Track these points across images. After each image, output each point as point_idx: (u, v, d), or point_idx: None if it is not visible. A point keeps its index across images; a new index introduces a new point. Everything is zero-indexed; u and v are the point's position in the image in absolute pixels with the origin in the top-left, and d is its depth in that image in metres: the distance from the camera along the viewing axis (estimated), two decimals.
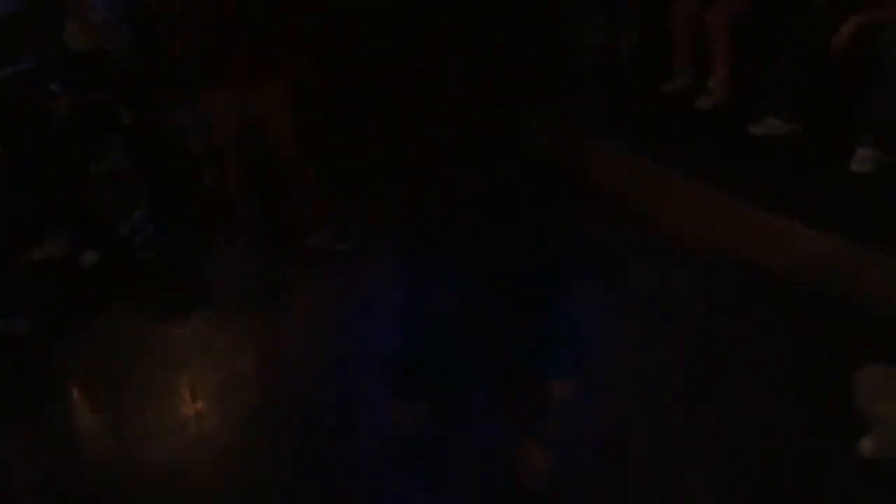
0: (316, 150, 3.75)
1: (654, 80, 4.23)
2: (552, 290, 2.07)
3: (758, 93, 3.79)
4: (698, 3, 3.93)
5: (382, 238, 3.70)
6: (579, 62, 4.45)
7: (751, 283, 3.20)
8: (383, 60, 4.34)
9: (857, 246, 3.00)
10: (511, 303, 2.04)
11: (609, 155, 4.02)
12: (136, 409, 2.99)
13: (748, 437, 2.56)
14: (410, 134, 4.43)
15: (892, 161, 3.33)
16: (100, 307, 3.63)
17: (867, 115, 3.30)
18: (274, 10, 3.34)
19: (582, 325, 2.10)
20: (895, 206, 3.17)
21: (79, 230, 3.81)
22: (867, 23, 3.25)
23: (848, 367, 2.43)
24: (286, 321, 3.59)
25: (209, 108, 3.71)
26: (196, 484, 2.67)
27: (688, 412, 2.65)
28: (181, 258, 3.87)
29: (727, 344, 2.93)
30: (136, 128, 3.93)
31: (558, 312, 2.07)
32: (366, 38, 4.29)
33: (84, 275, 3.74)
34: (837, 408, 2.42)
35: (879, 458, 2.36)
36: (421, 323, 2.21)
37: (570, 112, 4.28)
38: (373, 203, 4.01)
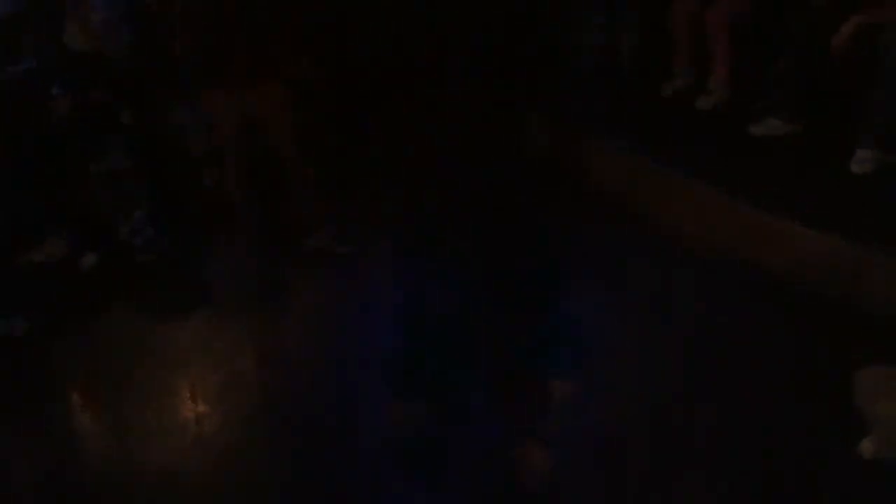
0: (316, 150, 3.74)
1: (654, 80, 4.23)
2: (552, 290, 2.07)
3: (758, 93, 3.79)
4: (698, 3, 3.93)
5: (382, 238, 3.70)
6: (579, 62, 4.45)
7: (751, 283, 3.20)
8: (383, 60, 4.34)
9: (857, 246, 3.00)
10: (511, 303, 2.04)
11: (609, 155, 4.02)
12: (136, 410, 2.99)
13: (748, 437, 2.56)
14: (410, 134, 4.42)
15: (892, 161, 3.33)
16: (99, 307, 3.63)
17: (867, 116, 3.30)
18: (274, 10, 3.34)
19: (582, 325, 2.10)
20: (895, 207, 3.17)
21: (79, 230, 3.81)
22: (867, 23, 3.25)
23: (848, 367, 2.43)
24: (286, 321, 3.59)
25: (209, 108, 3.71)
26: (196, 484, 2.66)
27: (688, 412, 2.65)
28: (181, 258, 3.86)
29: (727, 344, 2.93)
30: (136, 128, 3.92)
31: (558, 312, 2.07)
32: (366, 38, 4.29)
33: (84, 275, 3.74)
34: (837, 408, 2.42)
35: (879, 458, 2.36)
36: (421, 323, 2.21)
37: (570, 112, 4.28)
38: (373, 203, 4.01)
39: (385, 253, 3.57)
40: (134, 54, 4.02)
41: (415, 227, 2.29)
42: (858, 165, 3.34)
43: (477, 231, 2.14)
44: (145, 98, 3.99)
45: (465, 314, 2.13)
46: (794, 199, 3.27)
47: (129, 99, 3.94)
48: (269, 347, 3.38)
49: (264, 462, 2.70)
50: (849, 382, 2.36)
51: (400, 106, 4.52)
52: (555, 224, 2.29)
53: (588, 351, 2.10)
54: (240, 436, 2.84)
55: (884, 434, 2.35)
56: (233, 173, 3.68)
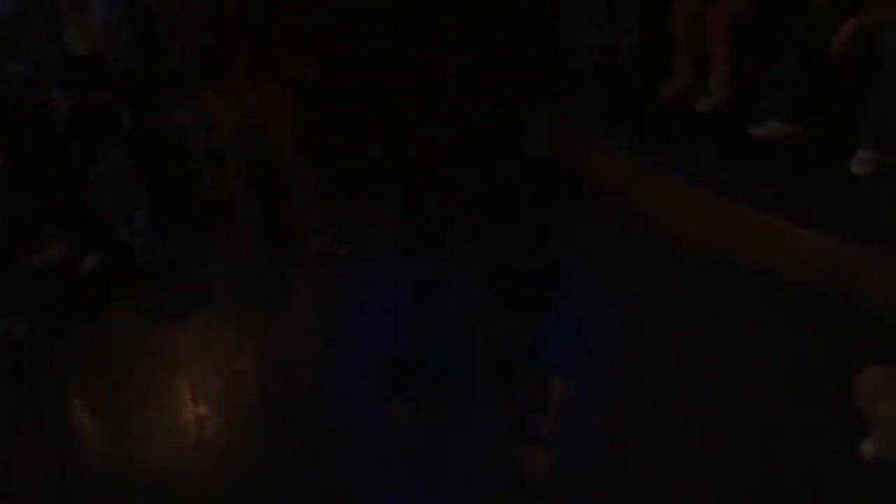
0: (316, 150, 3.74)
1: (654, 80, 4.23)
2: (552, 290, 2.08)
3: (758, 93, 3.79)
4: (698, 3, 3.92)
5: (382, 238, 3.71)
6: (579, 62, 4.44)
7: (751, 283, 3.20)
8: (383, 60, 4.35)
9: (857, 246, 2.99)
10: (511, 303, 2.04)
11: (609, 155, 4.02)
12: (136, 410, 2.99)
13: (748, 437, 2.56)
14: (410, 134, 4.44)
15: (892, 162, 3.33)
16: (99, 308, 3.63)
17: (867, 116, 3.29)
18: (274, 10, 3.34)
19: (582, 326, 2.10)
20: (895, 207, 3.17)
21: (79, 231, 3.81)
22: (867, 23, 3.25)
23: (848, 367, 2.43)
24: (286, 322, 3.59)
25: (209, 109, 3.71)
26: (196, 484, 2.67)
27: (688, 412, 2.65)
28: (181, 259, 3.86)
29: (727, 344, 2.93)
30: (136, 128, 3.92)
31: (558, 312, 2.07)
32: (366, 38, 4.30)
33: (84, 276, 3.74)
34: (837, 408, 2.42)
35: (880, 458, 2.36)
36: (421, 323, 2.21)
37: (570, 112, 4.28)
38: (373, 203, 4.01)
39: (385, 253, 3.58)
40: (134, 54, 4.02)
41: (415, 227, 2.29)
42: (858, 166, 3.33)
43: (477, 231, 2.15)
44: (145, 98, 3.99)
45: (466, 314, 2.13)
46: (794, 199, 3.27)
47: (129, 99, 3.94)
48: (269, 347, 3.38)
49: (264, 462, 2.70)
50: (849, 382, 2.35)
51: (400, 106, 4.54)
52: (555, 224, 2.29)
53: (588, 351, 2.10)
54: (240, 436, 2.84)
55: (884, 434, 2.35)
56: (233, 173, 3.68)
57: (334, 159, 4.02)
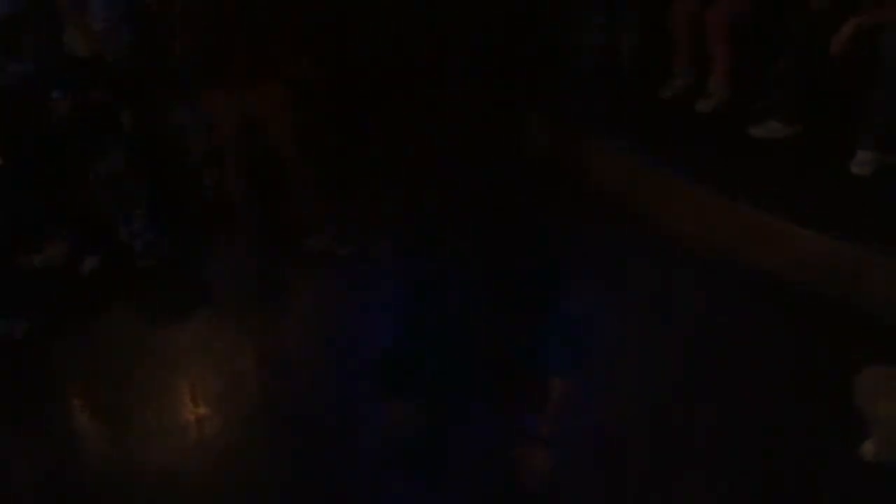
0: (316, 150, 3.74)
1: (654, 80, 4.23)
2: (552, 290, 2.08)
3: (758, 93, 3.79)
4: (698, 3, 3.92)
5: (383, 238, 3.71)
6: (579, 62, 4.44)
7: (751, 283, 3.20)
8: (383, 60, 4.35)
9: (857, 246, 3.00)
10: (511, 303, 2.04)
11: (609, 155, 4.02)
12: (136, 410, 2.99)
13: (748, 437, 2.56)
14: (410, 134, 4.44)
15: (892, 162, 3.33)
16: (99, 308, 3.63)
17: (867, 116, 3.29)
18: (274, 10, 3.34)
19: (582, 325, 2.10)
20: (895, 207, 3.17)
21: (79, 231, 3.81)
22: (867, 23, 3.25)
23: (848, 367, 2.43)
24: (286, 322, 3.59)
25: (209, 109, 3.71)
26: (196, 484, 2.67)
27: (688, 412, 2.65)
28: (181, 259, 3.86)
29: (727, 344, 2.93)
30: (136, 128, 3.92)
31: (558, 312, 2.07)
32: (366, 38, 4.30)
33: (84, 276, 3.73)
34: (837, 408, 2.42)
35: (880, 458, 2.36)
36: (421, 323, 2.21)
37: (570, 112, 4.28)
38: (373, 203, 4.01)
39: (385, 253, 3.58)
40: (134, 54, 4.02)
41: (415, 227, 2.29)
42: (858, 167, 3.34)
43: (477, 231, 2.15)
44: (145, 98, 3.99)
45: (466, 314, 2.13)
46: (794, 199, 3.27)
47: (129, 99, 3.94)
48: (269, 347, 3.38)
49: (264, 462, 2.70)
50: (849, 382, 2.36)
51: (400, 106, 4.54)
52: (555, 224, 2.29)
53: (588, 351, 2.10)
54: (240, 436, 2.84)
55: (884, 434, 2.35)
56: (233, 173, 3.68)
57: (334, 159, 4.02)
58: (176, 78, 3.86)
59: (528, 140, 4.28)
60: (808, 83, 3.56)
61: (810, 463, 2.44)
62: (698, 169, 3.60)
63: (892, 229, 3.02)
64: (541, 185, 3.73)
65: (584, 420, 2.42)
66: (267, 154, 3.63)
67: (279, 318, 3.58)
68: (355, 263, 3.64)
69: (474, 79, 4.11)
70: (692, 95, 4.05)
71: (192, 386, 3.11)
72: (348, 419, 2.78)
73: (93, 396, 3.18)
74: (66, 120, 3.76)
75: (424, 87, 4.28)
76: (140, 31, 4.04)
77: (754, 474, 2.44)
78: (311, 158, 3.67)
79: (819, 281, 3.07)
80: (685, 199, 3.60)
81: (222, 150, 3.74)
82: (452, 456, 2.25)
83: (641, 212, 3.70)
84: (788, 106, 3.63)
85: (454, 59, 4.19)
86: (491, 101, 4.14)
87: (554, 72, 4.46)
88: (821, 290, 3.05)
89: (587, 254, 3.22)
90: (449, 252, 2.20)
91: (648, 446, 2.56)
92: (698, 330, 3.01)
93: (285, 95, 3.50)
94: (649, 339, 2.99)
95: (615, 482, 2.45)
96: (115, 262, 3.76)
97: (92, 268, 3.73)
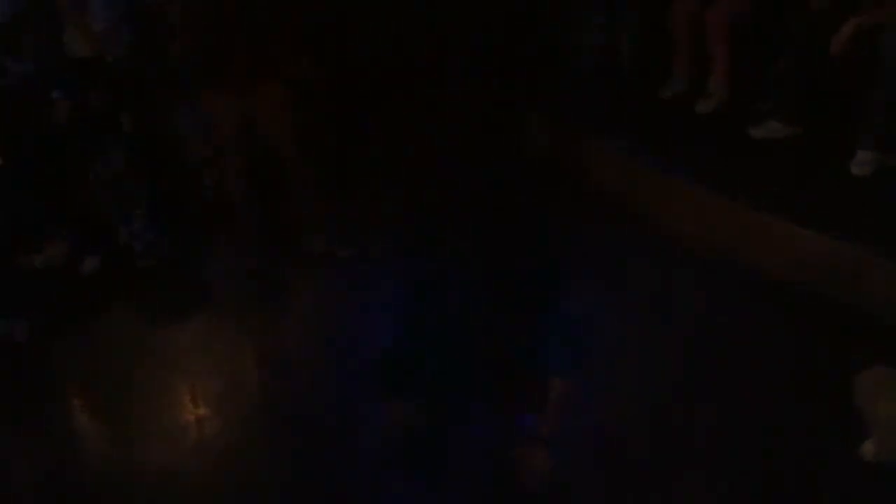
0: (316, 150, 3.74)
1: (654, 80, 4.23)
2: (552, 290, 2.08)
3: (758, 94, 3.79)
4: (698, 3, 3.92)
5: (382, 238, 3.70)
6: (579, 62, 4.44)
7: (751, 283, 3.20)
8: (383, 60, 4.35)
9: (857, 246, 3.00)
10: (511, 303, 2.04)
11: (609, 155, 4.02)
12: (136, 410, 3.00)
13: (748, 437, 2.56)
14: (410, 134, 4.44)
15: (892, 163, 3.33)
16: (100, 309, 3.63)
17: (867, 117, 3.29)
18: (274, 10, 3.34)
19: (582, 325, 2.10)
20: (895, 207, 3.17)
21: (79, 232, 3.81)
22: (867, 23, 3.25)
23: (848, 367, 2.43)
24: (286, 322, 3.59)
25: (209, 109, 3.71)
26: (196, 484, 2.67)
27: (688, 412, 2.65)
28: (181, 259, 3.86)
29: (727, 344, 2.93)
30: (135, 129, 3.92)
31: (558, 312, 2.07)
32: (366, 38, 4.30)
33: (84, 277, 3.74)
34: (837, 408, 2.42)
35: (880, 459, 2.36)
36: (421, 323, 2.21)
37: (570, 112, 4.28)
38: (373, 203, 4.01)
39: (385, 253, 3.58)
40: (134, 55, 4.01)
41: (415, 227, 2.29)
42: (858, 168, 3.33)
43: (477, 231, 2.15)
44: (145, 99, 3.99)
45: (466, 314, 2.13)
46: (794, 199, 3.27)
47: (129, 100, 3.94)
48: (269, 347, 3.38)
49: (264, 462, 2.70)
50: (849, 383, 2.36)
51: (400, 106, 4.53)
52: (555, 224, 2.29)
53: (588, 351, 2.10)
54: (240, 436, 2.84)
55: (884, 434, 2.35)
56: (233, 173, 3.68)
57: (334, 159, 4.02)
58: (176, 78, 3.86)
59: (528, 140, 4.27)
60: (808, 83, 3.56)
61: (810, 463, 2.44)
62: (698, 169, 3.60)
63: (892, 229, 3.01)
64: (541, 185, 3.73)
65: (584, 420, 2.42)
66: (267, 154, 3.63)
67: (279, 318, 3.58)
68: (355, 263, 3.64)
69: (474, 79, 4.11)
70: (692, 96, 4.04)
71: (192, 386, 3.11)
72: (348, 419, 2.78)
73: (93, 396, 3.18)
74: (66, 120, 3.76)
75: (424, 87, 4.28)
76: (140, 32, 4.04)
77: (754, 474, 2.44)
78: (310, 158, 3.67)
79: (819, 281, 3.07)
80: (685, 199, 3.60)
81: (222, 150, 3.74)
82: (452, 456, 2.25)
83: (641, 212, 3.70)
84: (788, 106, 3.63)
85: (454, 59, 4.19)
86: (491, 101, 4.14)
87: (554, 72, 4.46)
88: (821, 290, 3.05)
89: (587, 254, 3.22)
90: (449, 252, 2.20)
91: (648, 446, 2.56)
92: (698, 330, 3.01)
93: (285, 95, 3.50)
94: (649, 339, 2.99)
95: (615, 482, 2.45)
96: (115, 263, 3.76)
97: (92, 268, 3.73)
